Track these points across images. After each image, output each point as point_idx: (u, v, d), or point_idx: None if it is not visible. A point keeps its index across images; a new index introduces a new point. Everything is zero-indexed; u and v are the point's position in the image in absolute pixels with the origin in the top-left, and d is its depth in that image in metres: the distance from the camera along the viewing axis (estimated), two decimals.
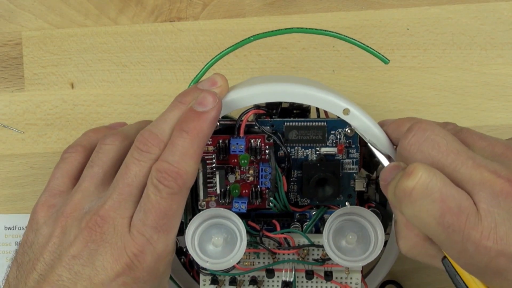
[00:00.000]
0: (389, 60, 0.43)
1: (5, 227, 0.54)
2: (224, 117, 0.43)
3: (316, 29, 0.42)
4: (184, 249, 0.45)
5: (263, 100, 0.41)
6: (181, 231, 0.43)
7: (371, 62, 0.53)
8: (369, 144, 0.41)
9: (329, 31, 0.42)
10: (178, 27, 0.54)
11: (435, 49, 0.54)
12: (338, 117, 0.41)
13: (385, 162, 0.40)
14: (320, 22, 0.54)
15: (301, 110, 0.44)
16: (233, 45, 0.42)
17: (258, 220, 0.44)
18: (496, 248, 0.34)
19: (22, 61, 0.54)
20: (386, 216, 0.43)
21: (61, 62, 0.54)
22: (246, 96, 0.41)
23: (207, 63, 0.42)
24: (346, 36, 0.42)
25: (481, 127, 0.54)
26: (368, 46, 0.42)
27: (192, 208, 0.44)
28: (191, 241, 0.41)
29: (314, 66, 0.54)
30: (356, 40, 0.42)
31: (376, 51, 0.42)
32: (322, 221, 0.44)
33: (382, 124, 0.42)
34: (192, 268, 0.46)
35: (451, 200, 0.35)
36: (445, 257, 0.37)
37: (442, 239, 0.35)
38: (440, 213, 0.35)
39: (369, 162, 0.44)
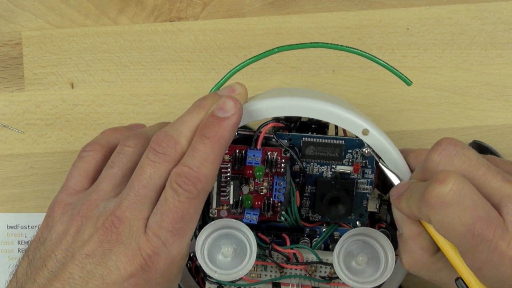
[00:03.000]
0: (411, 82, 0.43)
1: (7, 226, 0.54)
2: (243, 127, 0.42)
3: (341, 46, 0.42)
4: (191, 254, 0.45)
5: (283, 113, 0.41)
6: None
7: (371, 62, 0.53)
8: (380, 164, 0.41)
9: (355, 49, 0.42)
10: (178, 27, 0.54)
11: (435, 49, 0.54)
12: (357, 137, 0.41)
13: (395, 180, 0.41)
14: (320, 22, 0.54)
15: (319, 126, 0.44)
16: (256, 56, 0.42)
17: (268, 233, 0.44)
18: None
19: (22, 61, 0.54)
20: (396, 238, 0.43)
21: (61, 62, 0.54)
22: (266, 108, 0.41)
23: (229, 72, 0.42)
24: (371, 55, 0.42)
25: (481, 127, 0.54)
26: (392, 67, 0.42)
27: (202, 215, 0.43)
28: (201, 250, 0.41)
29: (315, 66, 0.54)
30: (380, 60, 0.42)
31: (400, 72, 0.42)
32: (332, 238, 0.44)
33: (402, 152, 0.42)
34: (197, 274, 0.46)
35: (481, 209, 0.35)
36: (458, 277, 0.37)
37: (468, 248, 0.36)
38: (471, 221, 0.35)
39: (383, 182, 0.44)
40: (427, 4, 0.54)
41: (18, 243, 0.54)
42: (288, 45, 0.42)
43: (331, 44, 0.42)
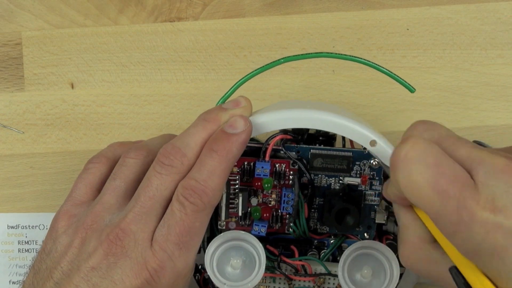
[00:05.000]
0: (415, 89, 0.43)
1: (8, 226, 0.54)
2: (251, 140, 0.42)
3: (345, 55, 0.42)
4: (199, 267, 0.45)
5: (290, 126, 0.41)
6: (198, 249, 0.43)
7: None
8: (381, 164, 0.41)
9: (359, 58, 0.42)
10: (178, 27, 0.54)
11: (435, 49, 0.54)
12: (364, 148, 0.42)
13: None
14: (320, 22, 0.54)
15: (326, 138, 0.44)
16: (262, 66, 0.42)
17: (276, 244, 0.44)
18: (494, 219, 0.32)
19: (22, 61, 0.54)
20: None
21: (61, 62, 0.54)
22: (274, 120, 0.41)
23: (235, 84, 0.42)
24: (374, 63, 0.42)
25: (481, 127, 0.54)
26: (395, 75, 0.42)
27: (210, 227, 0.43)
28: (210, 262, 0.41)
29: (314, 66, 0.54)
30: (384, 68, 0.42)
31: (403, 80, 0.42)
32: (340, 250, 0.44)
33: None
34: (206, 286, 0.45)
35: (446, 167, 0.34)
36: (452, 266, 0.36)
37: (437, 209, 0.34)
38: (434, 177, 0.34)
39: None
40: (427, 4, 0.54)
41: (19, 243, 0.54)
42: (294, 56, 0.42)
43: (335, 53, 0.43)
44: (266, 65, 0.42)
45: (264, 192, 0.43)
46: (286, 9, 0.54)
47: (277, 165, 0.42)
